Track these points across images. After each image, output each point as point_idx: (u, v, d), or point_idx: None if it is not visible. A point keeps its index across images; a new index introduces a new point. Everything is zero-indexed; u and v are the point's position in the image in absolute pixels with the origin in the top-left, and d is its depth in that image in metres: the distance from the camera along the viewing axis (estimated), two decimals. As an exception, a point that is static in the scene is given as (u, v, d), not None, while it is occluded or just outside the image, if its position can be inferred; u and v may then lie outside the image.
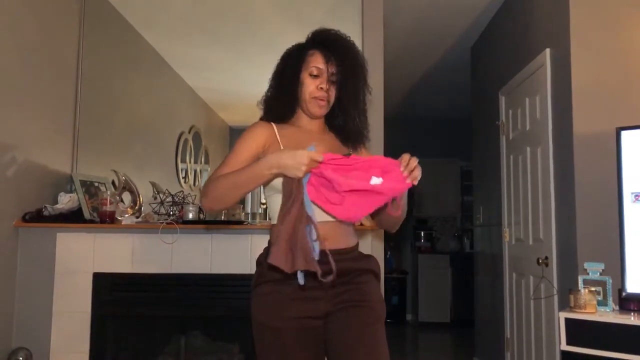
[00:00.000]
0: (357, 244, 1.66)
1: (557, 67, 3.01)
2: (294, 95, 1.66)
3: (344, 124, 1.69)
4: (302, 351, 1.51)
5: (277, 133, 1.63)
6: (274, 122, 1.67)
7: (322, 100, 1.64)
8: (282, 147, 1.60)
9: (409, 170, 1.44)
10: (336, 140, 1.72)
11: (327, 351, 1.57)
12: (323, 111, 1.67)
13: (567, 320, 2.36)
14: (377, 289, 1.63)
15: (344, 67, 1.63)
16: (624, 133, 2.48)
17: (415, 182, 1.45)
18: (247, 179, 1.48)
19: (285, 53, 1.72)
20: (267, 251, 1.62)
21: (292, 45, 1.72)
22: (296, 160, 1.40)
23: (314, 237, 1.42)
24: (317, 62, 1.63)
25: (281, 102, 1.67)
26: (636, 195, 2.43)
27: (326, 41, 1.66)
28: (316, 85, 1.63)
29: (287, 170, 1.42)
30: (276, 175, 1.47)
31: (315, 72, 1.63)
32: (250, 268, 2.65)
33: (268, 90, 1.71)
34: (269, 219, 1.71)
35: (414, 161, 1.45)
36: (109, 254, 2.66)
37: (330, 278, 1.42)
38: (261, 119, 1.70)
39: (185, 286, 2.65)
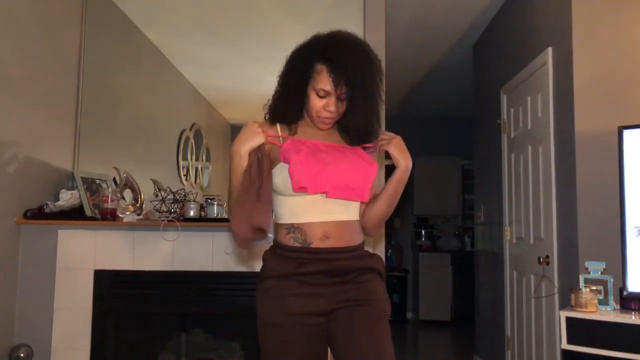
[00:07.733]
0: (362, 243, 1.65)
1: (559, 66, 3.01)
2: (299, 105, 1.59)
3: (352, 125, 1.63)
4: (303, 347, 1.52)
5: (280, 134, 1.61)
6: (278, 122, 1.64)
7: (328, 119, 1.58)
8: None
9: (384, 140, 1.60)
10: (341, 138, 1.67)
11: (331, 349, 1.57)
12: (329, 127, 1.62)
13: (568, 319, 2.36)
14: (381, 287, 1.62)
15: (355, 86, 1.50)
16: (626, 132, 2.48)
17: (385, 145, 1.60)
18: (235, 180, 1.54)
19: (292, 57, 1.60)
20: (272, 248, 1.63)
21: (300, 47, 1.59)
22: (247, 130, 1.50)
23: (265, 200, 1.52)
24: (323, 83, 1.51)
25: (286, 108, 1.61)
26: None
27: (336, 58, 1.49)
28: (322, 105, 1.54)
29: (249, 140, 1.50)
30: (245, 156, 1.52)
31: (322, 94, 1.53)
32: (250, 266, 2.65)
33: (275, 93, 1.63)
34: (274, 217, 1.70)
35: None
36: (110, 251, 2.66)
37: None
38: (265, 118, 1.66)
39: (186, 283, 2.65)
